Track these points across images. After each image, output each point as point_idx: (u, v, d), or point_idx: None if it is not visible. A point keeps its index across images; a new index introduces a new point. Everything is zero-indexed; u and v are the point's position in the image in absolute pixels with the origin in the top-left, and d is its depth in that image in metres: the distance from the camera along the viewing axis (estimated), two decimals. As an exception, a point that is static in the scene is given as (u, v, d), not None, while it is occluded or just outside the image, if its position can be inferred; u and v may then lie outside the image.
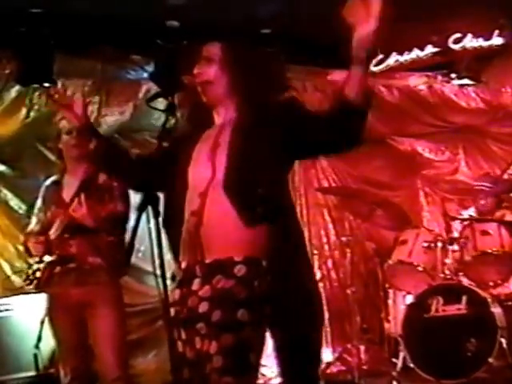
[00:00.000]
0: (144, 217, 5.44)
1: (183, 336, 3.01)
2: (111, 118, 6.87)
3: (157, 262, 2.86)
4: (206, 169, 3.10)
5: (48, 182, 5.10)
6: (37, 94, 6.39)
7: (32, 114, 6.59)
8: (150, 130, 7.31)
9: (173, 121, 3.26)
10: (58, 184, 5.00)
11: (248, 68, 3.22)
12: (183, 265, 3.10)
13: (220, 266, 2.97)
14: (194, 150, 3.19)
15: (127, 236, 4.91)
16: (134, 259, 4.88)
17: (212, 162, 3.10)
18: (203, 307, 2.94)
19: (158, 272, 2.86)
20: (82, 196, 4.62)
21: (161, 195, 2.98)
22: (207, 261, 3.01)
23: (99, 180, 4.71)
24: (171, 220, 3.10)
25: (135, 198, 5.20)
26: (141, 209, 2.88)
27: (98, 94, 6.59)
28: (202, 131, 3.26)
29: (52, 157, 6.75)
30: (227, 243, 2.98)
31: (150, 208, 2.89)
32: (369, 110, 3.02)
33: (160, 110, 3.30)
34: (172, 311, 3.03)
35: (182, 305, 3.03)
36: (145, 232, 5.07)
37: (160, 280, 2.85)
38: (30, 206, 5.49)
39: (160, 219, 2.90)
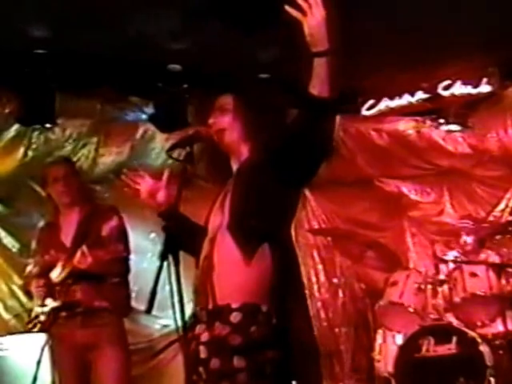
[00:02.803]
0: (143, 258, 5.53)
1: (193, 378, 3.05)
2: (108, 158, 6.95)
3: (177, 307, 2.93)
4: (216, 216, 3.24)
5: (42, 223, 5.25)
6: (36, 133, 6.45)
7: (30, 153, 6.63)
8: (145, 169, 7.45)
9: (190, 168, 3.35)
10: (53, 227, 5.10)
11: (259, 115, 3.37)
12: (195, 308, 3.19)
13: (219, 312, 3.03)
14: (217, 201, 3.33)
15: (130, 277, 5.05)
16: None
17: (222, 207, 3.23)
18: (203, 353, 3.02)
19: (177, 316, 2.91)
20: (85, 247, 4.67)
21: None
22: (210, 306, 3.08)
23: (103, 230, 4.73)
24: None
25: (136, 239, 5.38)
26: (163, 257, 2.95)
27: (97, 135, 6.68)
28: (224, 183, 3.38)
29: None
30: (228, 289, 3.05)
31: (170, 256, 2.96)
32: (335, 103, 3.03)
33: (179, 161, 3.37)
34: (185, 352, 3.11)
35: (189, 347, 3.09)
36: (140, 273, 5.18)
37: (180, 324, 2.91)
38: (23, 245, 5.57)
39: (179, 267, 2.95)
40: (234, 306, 2.99)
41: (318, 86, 2.99)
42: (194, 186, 7.02)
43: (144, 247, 6.84)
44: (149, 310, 2.88)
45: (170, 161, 5.55)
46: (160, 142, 7.02)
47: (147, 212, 6.66)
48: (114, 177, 6.98)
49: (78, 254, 4.67)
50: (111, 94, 6.29)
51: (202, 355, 3.01)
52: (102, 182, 6.22)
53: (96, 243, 4.70)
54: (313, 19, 3.00)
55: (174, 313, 2.94)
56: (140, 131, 6.92)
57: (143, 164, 7.27)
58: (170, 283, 2.94)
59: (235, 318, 2.97)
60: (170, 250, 2.97)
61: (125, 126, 6.84)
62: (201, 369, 3.00)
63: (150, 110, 6.59)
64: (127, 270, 5.02)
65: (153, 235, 7.41)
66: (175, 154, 3.43)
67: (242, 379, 2.91)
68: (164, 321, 7.64)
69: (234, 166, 3.39)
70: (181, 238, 3.04)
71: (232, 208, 3.16)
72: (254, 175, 3.18)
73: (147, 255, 6.27)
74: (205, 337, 3.04)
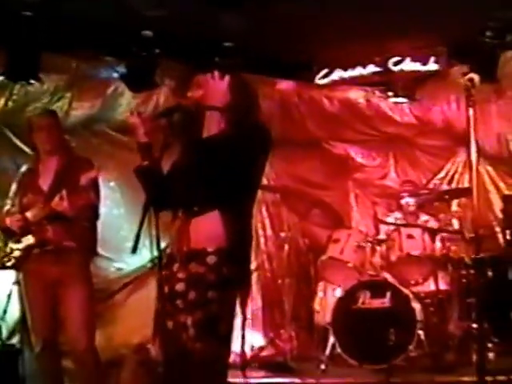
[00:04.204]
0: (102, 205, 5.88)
1: (166, 308, 3.61)
2: (80, 111, 7.29)
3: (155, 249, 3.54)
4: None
5: (23, 169, 5.57)
6: (17, 86, 6.74)
7: (10, 103, 6.93)
8: (109, 122, 7.87)
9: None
10: (33, 172, 5.48)
11: (232, 91, 3.77)
12: (168, 250, 3.74)
13: (196, 254, 3.57)
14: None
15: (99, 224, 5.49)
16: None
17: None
18: (181, 287, 3.57)
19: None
20: (64, 192, 5.04)
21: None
22: (185, 249, 3.62)
23: (82, 179, 5.09)
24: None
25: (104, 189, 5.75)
26: (145, 208, 3.49)
27: (71, 90, 7.00)
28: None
29: (20, 144, 7.24)
30: (203, 236, 3.58)
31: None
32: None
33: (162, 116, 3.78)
34: (160, 287, 3.65)
35: (166, 282, 3.65)
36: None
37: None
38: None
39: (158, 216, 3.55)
40: (209, 249, 3.54)
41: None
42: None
43: (104, 195, 7.20)
44: (134, 250, 3.39)
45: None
46: (127, 98, 7.37)
47: (109, 163, 7.13)
48: (82, 128, 7.38)
49: (57, 197, 5.05)
50: (87, 53, 6.60)
51: (180, 289, 3.56)
52: (71, 132, 6.52)
53: (73, 190, 5.06)
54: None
55: (152, 252, 3.55)
56: (111, 88, 7.24)
57: (110, 117, 7.75)
58: (150, 229, 3.51)
59: (211, 260, 3.52)
60: (151, 203, 3.52)
61: (97, 83, 7.16)
62: (178, 301, 3.55)
63: (121, 69, 6.88)
64: (96, 216, 5.44)
65: (112, 184, 7.83)
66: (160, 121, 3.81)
67: (214, 309, 3.50)
68: (118, 264, 8.10)
69: (205, 131, 3.76)
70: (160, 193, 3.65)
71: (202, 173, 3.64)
72: (227, 146, 3.61)
73: (106, 202, 6.61)
74: (182, 274, 3.58)
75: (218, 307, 3.52)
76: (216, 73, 3.75)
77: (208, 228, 3.58)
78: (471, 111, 3.86)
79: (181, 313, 3.55)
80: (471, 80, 3.92)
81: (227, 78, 3.73)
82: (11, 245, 5.31)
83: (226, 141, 3.61)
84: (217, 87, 3.73)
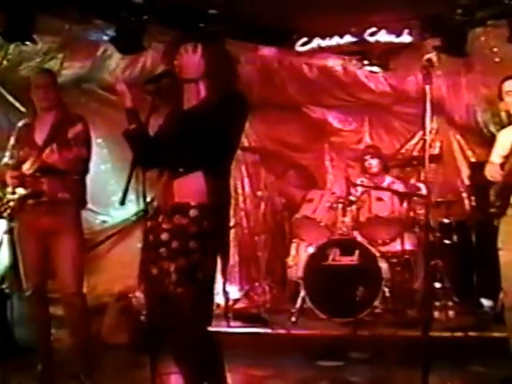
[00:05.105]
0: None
1: (150, 256, 3.98)
2: (71, 71, 7.54)
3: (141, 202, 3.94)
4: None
5: (20, 123, 5.81)
6: (12, 46, 6.98)
7: (4, 62, 7.15)
8: (97, 81, 8.16)
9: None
10: (29, 127, 5.72)
11: (216, 59, 4.10)
12: (155, 203, 4.09)
13: (180, 208, 3.93)
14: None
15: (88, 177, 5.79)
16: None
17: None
18: (165, 236, 3.93)
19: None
20: (55, 145, 5.32)
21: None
22: (171, 203, 3.97)
23: (69, 133, 5.38)
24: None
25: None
26: (132, 165, 3.85)
27: (63, 50, 7.25)
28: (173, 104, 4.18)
29: (13, 101, 7.54)
30: (187, 191, 3.93)
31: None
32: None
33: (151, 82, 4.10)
34: (145, 237, 4.04)
35: (151, 233, 4.02)
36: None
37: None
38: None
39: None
40: (192, 203, 3.89)
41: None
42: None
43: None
44: (122, 203, 3.77)
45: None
46: (116, 60, 7.67)
47: (97, 120, 7.40)
48: (72, 87, 7.64)
49: (48, 150, 5.34)
50: (80, 17, 6.87)
51: (164, 238, 3.92)
52: (61, 90, 6.76)
53: (63, 144, 5.35)
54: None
55: (139, 206, 4.06)
56: (101, 50, 7.51)
57: (99, 77, 8.04)
58: (137, 185, 3.91)
59: (193, 213, 3.88)
60: (137, 161, 3.89)
61: (88, 45, 7.41)
62: (162, 249, 3.91)
63: (111, 32, 7.16)
64: (86, 170, 5.70)
65: (99, 140, 8.09)
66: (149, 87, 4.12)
67: (194, 257, 3.86)
68: (103, 217, 8.48)
69: (186, 95, 4.10)
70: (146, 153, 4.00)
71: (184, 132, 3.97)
72: (207, 114, 3.91)
73: (93, 158, 6.86)
74: (167, 225, 3.94)
75: (198, 256, 3.86)
76: (189, 46, 4.06)
77: (192, 185, 3.91)
78: (428, 88, 4.16)
79: (164, 260, 3.89)
80: (429, 60, 4.23)
81: (199, 50, 4.05)
82: (8, 196, 5.57)
83: (206, 110, 3.91)
84: (190, 60, 4.05)
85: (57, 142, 5.36)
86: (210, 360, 4.05)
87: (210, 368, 4.05)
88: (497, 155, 5.53)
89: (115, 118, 7.48)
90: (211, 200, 3.91)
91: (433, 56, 4.23)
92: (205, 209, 3.90)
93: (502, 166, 5.40)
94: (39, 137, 5.61)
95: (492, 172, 5.48)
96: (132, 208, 8.22)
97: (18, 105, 7.32)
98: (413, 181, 8.22)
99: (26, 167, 5.49)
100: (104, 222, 8.48)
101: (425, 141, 4.41)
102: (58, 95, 5.77)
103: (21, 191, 5.52)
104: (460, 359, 5.97)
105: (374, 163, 8.18)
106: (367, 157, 8.25)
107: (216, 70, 4.09)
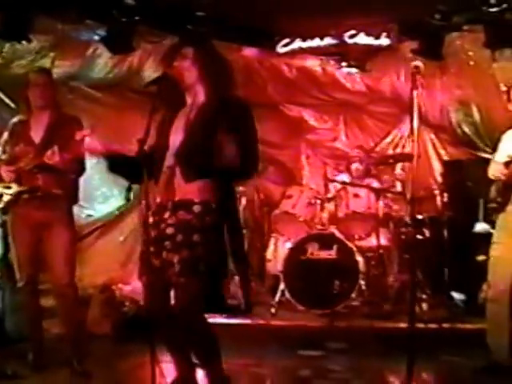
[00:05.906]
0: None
1: (152, 249, 4.17)
2: (61, 70, 7.62)
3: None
4: (177, 135, 4.28)
5: (15, 119, 5.91)
6: (8, 44, 7.08)
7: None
8: (85, 80, 8.30)
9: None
10: (25, 124, 5.82)
11: (212, 63, 4.33)
12: (158, 200, 4.28)
13: (184, 204, 4.16)
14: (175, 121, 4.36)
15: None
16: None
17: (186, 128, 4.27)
18: (170, 230, 4.16)
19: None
20: (56, 148, 5.42)
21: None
22: (175, 199, 4.19)
23: (76, 135, 5.17)
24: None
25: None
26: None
27: (55, 49, 7.38)
28: (178, 110, 4.38)
29: (4, 98, 7.65)
30: (190, 189, 4.15)
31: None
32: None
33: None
34: (146, 232, 4.23)
35: (154, 227, 4.23)
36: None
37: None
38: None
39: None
40: (196, 200, 4.12)
41: None
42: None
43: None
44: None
45: (110, 75, 6.96)
46: (104, 59, 7.80)
47: (83, 116, 7.50)
48: (60, 85, 7.68)
49: (49, 152, 5.44)
50: (72, 17, 6.97)
51: (169, 232, 4.14)
52: None
53: (64, 145, 5.43)
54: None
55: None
56: (90, 49, 7.62)
57: (87, 76, 8.17)
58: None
59: (197, 209, 4.12)
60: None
61: (79, 44, 7.53)
62: (167, 242, 4.14)
63: (102, 32, 7.27)
64: (83, 169, 5.84)
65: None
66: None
67: (198, 250, 4.08)
68: (88, 211, 8.59)
69: (189, 100, 4.36)
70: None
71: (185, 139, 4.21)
72: (209, 118, 4.15)
73: None
74: (172, 220, 4.16)
75: (201, 249, 4.07)
76: (183, 52, 4.29)
77: (195, 184, 4.14)
78: (415, 93, 4.37)
79: (168, 252, 4.12)
80: (417, 67, 4.46)
81: (190, 55, 4.28)
82: (2, 190, 5.70)
83: (207, 120, 4.15)
84: (182, 67, 4.28)
85: (57, 144, 5.46)
86: (209, 348, 4.28)
87: (208, 356, 4.29)
88: (502, 155, 5.69)
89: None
90: (215, 198, 4.15)
91: (420, 64, 4.43)
92: (208, 205, 4.13)
93: (506, 164, 5.57)
94: (35, 135, 5.72)
95: (495, 171, 5.67)
96: (115, 202, 8.44)
97: (8, 101, 7.42)
98: (385, 177, 8.42)
99: (24, 164, 5.62)
100: (89, 215, 8.58)
101: (413, 141, 4.60)
102: (54, 95, 5.89)
103: (15, 186, 5.64)
104: (434, 350, 6.12)
105: (360, 167, 8.42)
106: (355, 160, 8.51)
107: (211, 74, 4.31)
